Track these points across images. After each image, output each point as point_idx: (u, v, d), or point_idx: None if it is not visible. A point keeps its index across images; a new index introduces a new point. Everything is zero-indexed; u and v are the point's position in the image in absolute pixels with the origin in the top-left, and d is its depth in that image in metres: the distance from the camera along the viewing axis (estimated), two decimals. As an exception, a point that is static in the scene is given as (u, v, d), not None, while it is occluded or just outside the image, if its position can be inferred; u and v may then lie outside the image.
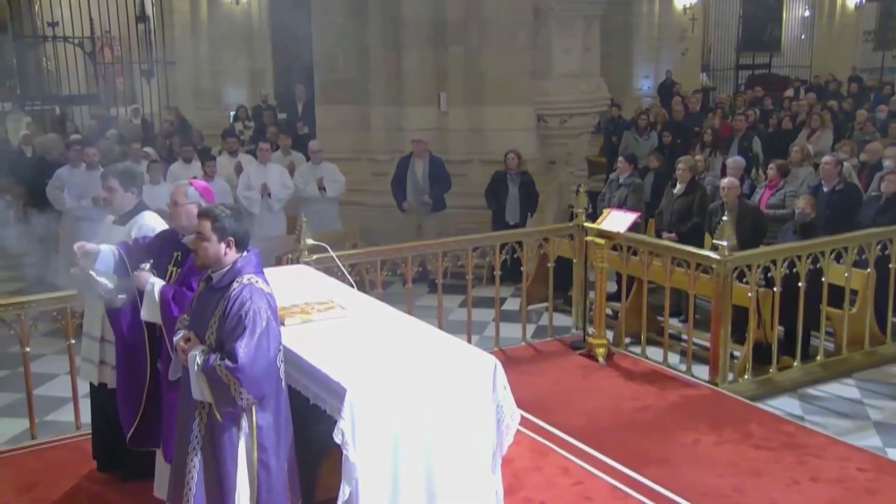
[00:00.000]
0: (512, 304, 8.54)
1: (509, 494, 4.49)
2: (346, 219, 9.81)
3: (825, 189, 8.14)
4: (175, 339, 3.81)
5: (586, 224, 7.24)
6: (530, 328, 7.76)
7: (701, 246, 7.41)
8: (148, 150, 10.70)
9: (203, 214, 3.75)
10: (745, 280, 6.50)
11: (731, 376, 6.59)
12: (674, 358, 7.14)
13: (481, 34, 10.03)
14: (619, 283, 7.55)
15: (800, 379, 6.82)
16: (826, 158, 8.52)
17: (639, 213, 7.38)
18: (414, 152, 9.67)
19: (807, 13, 24.49)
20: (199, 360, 3.59)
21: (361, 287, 5.89)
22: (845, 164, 9.10)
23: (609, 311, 7.64)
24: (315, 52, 11.06)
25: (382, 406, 3.70)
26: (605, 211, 7.19)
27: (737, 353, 6.75)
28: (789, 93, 18.51)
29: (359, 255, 6.70)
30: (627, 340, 7.42)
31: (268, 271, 3.89)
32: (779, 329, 6.81)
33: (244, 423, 3.65)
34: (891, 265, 7.18)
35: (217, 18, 17.41)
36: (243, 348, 3.51)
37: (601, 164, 13.70)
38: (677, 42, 19.90)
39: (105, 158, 9.20)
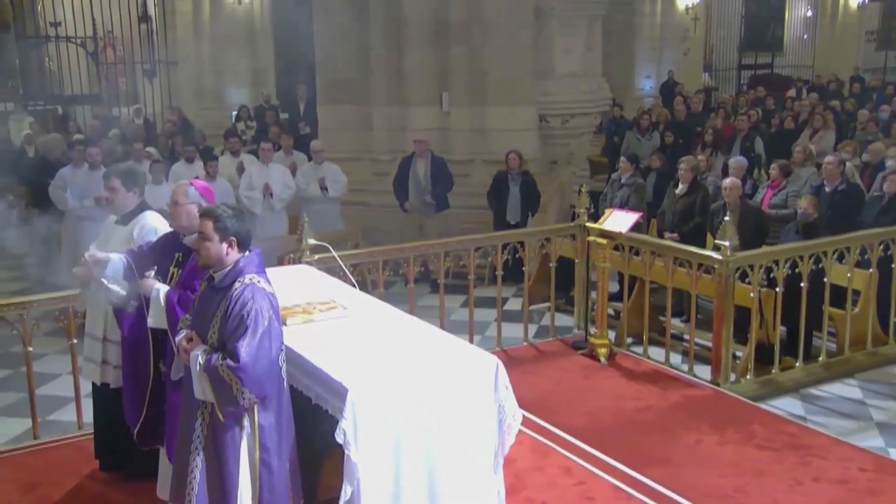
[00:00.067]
0: (514, 304, 8.54)
1: (511, 494, 4.48)
2: (348, 219, 9.81)
3: (827, 189, 8.13)
4: (177, 338, 3.81)
5: (588, 224, 7.24)
6: (532, 328, 7.77)
7: (703, 246, 7.41)
8: (150, 150, 10.71)
9: (205, 214, 3.76)
10: (747, 280, 6.50)
11: (733, 376, 6.59)
12: (676, 358, 7.14)
13: (483, 34, 10.03)
14: (620, 283, 7.55)
15: (802, 379, 6.81)
16: (828, 158, 8.51)
17: (641, 214, 7.37)
18: (416, 152, 9.68)
19: (809, 13, 24.46)
20: (201, 359, 3.59)
21: (363, 287, 5.89)
22: (848, 164, 9.09)
23: (611, 311, 7.64)
24: (317, 52, 11.07)
25: (384, 406, 3.70)
26: (607, 211, 7.19)
27: (739, 354, 6.74)
28: (792, 93, 18.48)
29: (361, 255, 6.70)
30: (629, 340, 7.42)
31: (270, 271, 3.89)
32: (781, 329, 6.80)
33: (246, 422, 3.65)
34: (893, 265, 7.17)
35: (219, 18, 17.42)
36: (245, 348, 3.51)
37: (603, 165, 13.69)
38: (679, 42, 19.87)
39: (107, 158, 9.20)
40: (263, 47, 18.01)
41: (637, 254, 7.10)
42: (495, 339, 7.34)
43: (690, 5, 20.10)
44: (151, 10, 18.16)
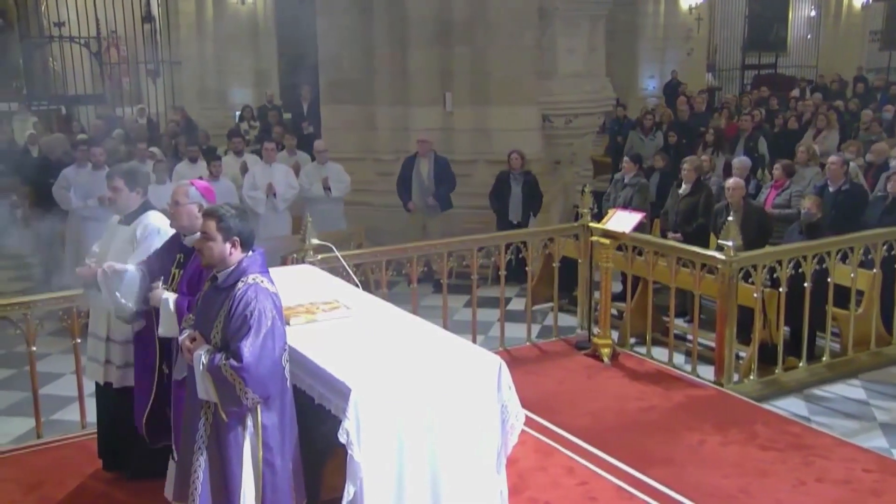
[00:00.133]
0: (517, 304, 8.54)
1: (514, 494, 4.48)
2: (352, 219, 9.82)
3: (831, 189, 8.12)
4: (180, 338, 3.82)
5: (591, 224, 7.23)
6: (535, 328, 7.76)
7: (706, 246, 7.40)
8: (154, 150, 10.72)
9: (208, 214, 3.76)
10: (750, 280, 6.49)
11: (736, 377, 6.58)
12: (679, 358, 7.13)
13: (486, 34, 10.02)
14: (624, 283, 7.54)
15: (805, 380, 6.80)
16: (832, 158, 8.49)
17: (644, 214, 7.37)
18: (419, 152, 9.68)
19: (813, 13, 24.43)
20: (204, 359, 3.59)
21: (366, 287, 5.89)
22: (851, 164, 9.08)
23: (614, 312, 7.63)
24: (320, 51, 11.07)
25: (387, 406, 3.70)
26: (611, 211, 7.19)
27: (742, 354, 6.74)
28: (795, 93, 18.46)
29: (364, 255, 6.70)
30: (632, 341, 7.42)
31: (273, 271, 3.89)
32: (784, 329, 6.80)
33: (249, 422, 3.66)
34: (897, 265, 7.17)
35: (223, 18, 17.46)
36: (248, 348, 3.51)
37: (606, 164, 13.68)
38: (683, 42, 19.86)
39: (111, 158, 9.22)
40: (267, 47, 18.04)
41: (640, 254, 7.09)
42: (498, 339, 7.34)
43: (694, 5, 20.09)
44: (155, 10, 18.20)
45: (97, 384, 5.04)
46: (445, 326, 6.10)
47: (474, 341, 6.44)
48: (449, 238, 7.57)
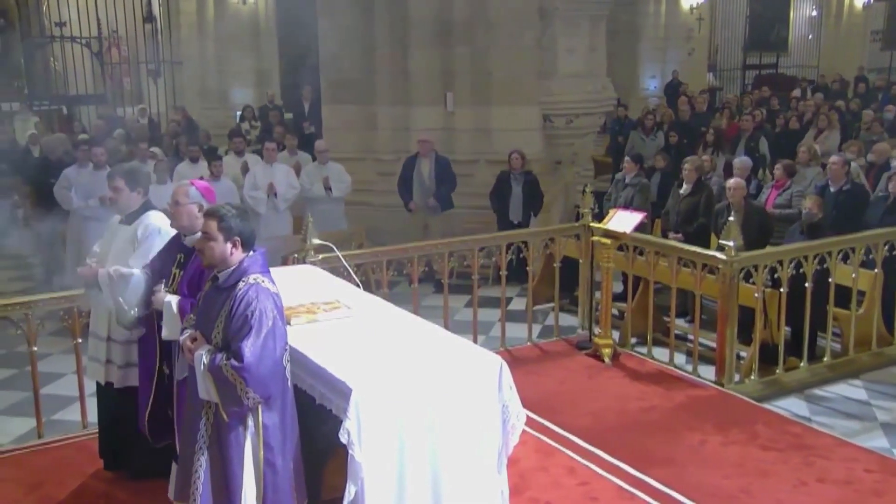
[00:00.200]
0: (518, 305, 8.54)
1: (515, 494, 4.48)
2: (352, 219, 9.82)
3: (832, 189, 8.12)
4: (181, 338, 3.81)
5: (592, 224, 7.23)
6: (536, 328, 7.76)
7: (707, 246, 7.40)
8: (155, 149, 10.72)
9: (209, 214, 3.76)
10: (751, 280, 6.49)
11: (737, 377, 6.58)
12: (680, 358, 7.13)
13: (487, 34, 10.03)
14: (625, 283, 7.54)
15: (806, 380, 6.80)
16: (833, 158, 8.49)
17: (645, 214, 7.36)
18: (420, 152, 9.69)
19: (814, 13, 24.42)
20: (205, 359, 3.59)
21: (367, 287, 5.89)
22: (852, 164, 9.08)
23: (615, 312, 7.63)
24: (321, 52, 11.08)
25: (388, 406, 3.70)
26: (612, 211, 7.18)
27: (743, 354, 6.74)
28: (796, 93, 18.45)
29: (365, 255, 6.70)
30: (633, 341, 7.42)
31: (274, 271, 3.89)
32: (785, 330, 6.80)
33: (250, 422, 3.66)
34: (898, 266, 7.17)
35: (224, 18, 17.46)
36: (249, 348, 3.51)
37: (607, 164, 13.69)
38: (684, 42, 19.85)
39: (112, 158, 9.23)
40: (268, 47, 18.04)
41: (641, 254, 7.09)
42: (499, 339, 7.34)
43: (695, 5, 20.08)
44: (156, 10, 18.21)
45: (98, 384, 5.04)
46: (446, 326, 6.11)
47: (475, 341, 6.45)
48: (450, 238, 7.57)
